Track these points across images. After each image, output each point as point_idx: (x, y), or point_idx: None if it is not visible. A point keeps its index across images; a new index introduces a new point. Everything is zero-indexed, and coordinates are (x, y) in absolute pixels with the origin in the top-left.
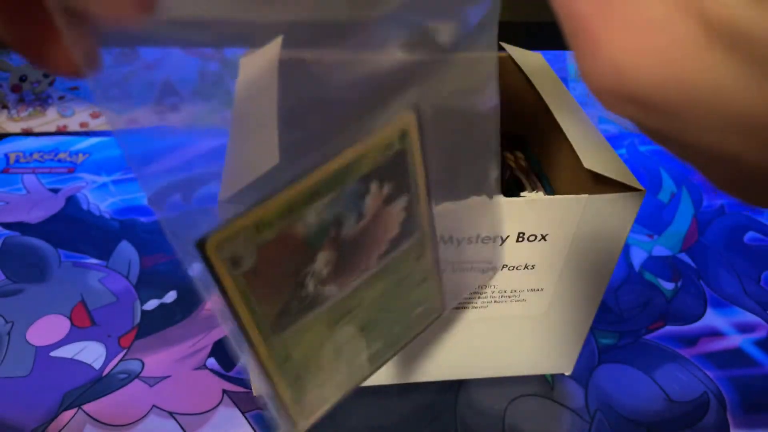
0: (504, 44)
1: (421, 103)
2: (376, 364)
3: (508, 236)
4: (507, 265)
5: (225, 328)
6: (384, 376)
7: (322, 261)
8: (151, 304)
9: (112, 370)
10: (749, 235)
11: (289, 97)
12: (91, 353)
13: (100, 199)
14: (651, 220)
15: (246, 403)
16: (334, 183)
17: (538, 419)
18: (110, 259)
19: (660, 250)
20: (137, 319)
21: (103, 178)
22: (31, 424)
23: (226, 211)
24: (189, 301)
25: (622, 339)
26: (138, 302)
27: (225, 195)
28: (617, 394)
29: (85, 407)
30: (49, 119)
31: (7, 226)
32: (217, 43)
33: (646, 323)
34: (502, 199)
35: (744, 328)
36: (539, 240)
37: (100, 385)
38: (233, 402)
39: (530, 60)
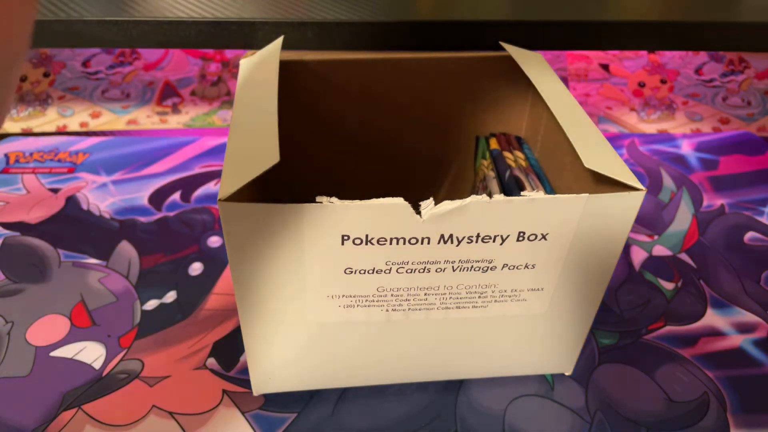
0: (504, 44)
1: None
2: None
3: (508, 236)
4: (507, 265)
5: None
6: (384, 376)
7: None
8: (151, 304)
9: (112, 370)
10: (749, 235)
11: None
12: (91, 353)
13: (99, 199)
14: (651, 220)
15: (246, 403)
16: None
17: (538, 419)
18: (110, 259)
19: (660, 250)
20: (137, 319)
21: (103, 178)
22: (31, 424)
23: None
24: (189, 301)
25: (622, 339)
26: (138, 302)
27: (225, 195)
28: (617, 394)
29: (85, 407)
30: (49, 119)
31: (7, 226)
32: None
33: (646, 323)
34: (502, 199)
35: (744, 328)
36: (539, 239)
37: (100, 385)
38: (233, 402)
39: (530, 60)
